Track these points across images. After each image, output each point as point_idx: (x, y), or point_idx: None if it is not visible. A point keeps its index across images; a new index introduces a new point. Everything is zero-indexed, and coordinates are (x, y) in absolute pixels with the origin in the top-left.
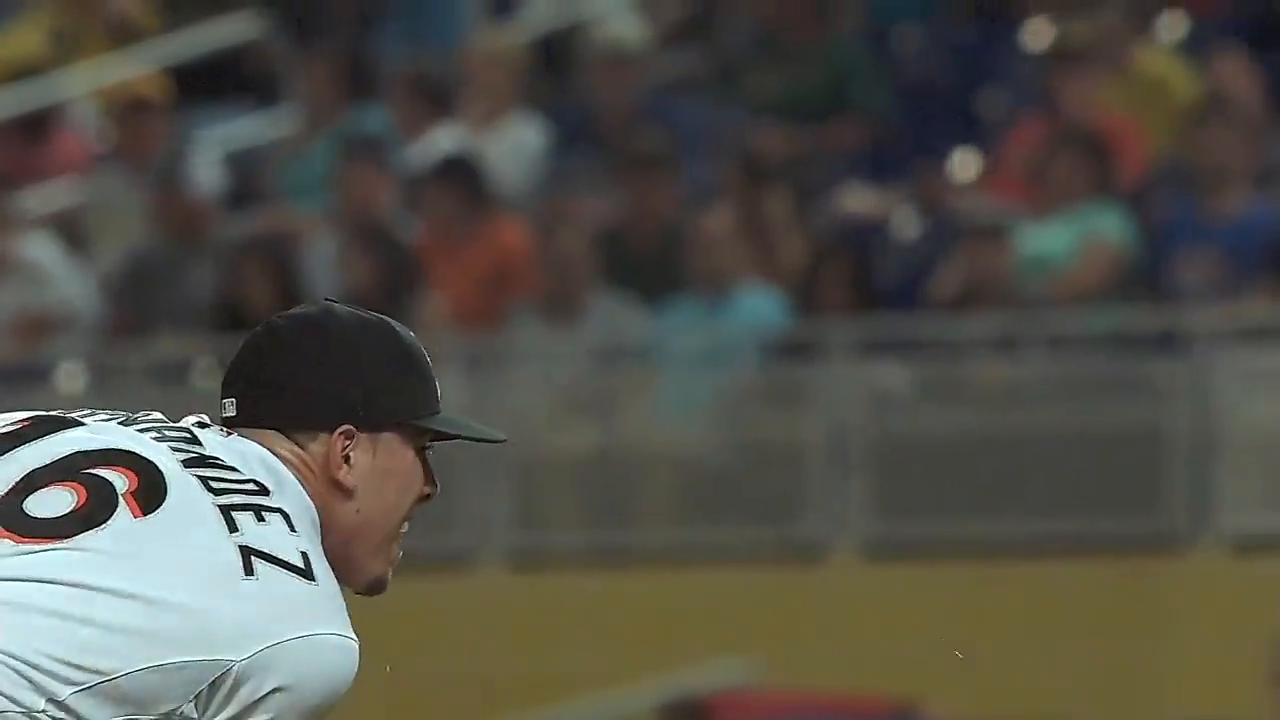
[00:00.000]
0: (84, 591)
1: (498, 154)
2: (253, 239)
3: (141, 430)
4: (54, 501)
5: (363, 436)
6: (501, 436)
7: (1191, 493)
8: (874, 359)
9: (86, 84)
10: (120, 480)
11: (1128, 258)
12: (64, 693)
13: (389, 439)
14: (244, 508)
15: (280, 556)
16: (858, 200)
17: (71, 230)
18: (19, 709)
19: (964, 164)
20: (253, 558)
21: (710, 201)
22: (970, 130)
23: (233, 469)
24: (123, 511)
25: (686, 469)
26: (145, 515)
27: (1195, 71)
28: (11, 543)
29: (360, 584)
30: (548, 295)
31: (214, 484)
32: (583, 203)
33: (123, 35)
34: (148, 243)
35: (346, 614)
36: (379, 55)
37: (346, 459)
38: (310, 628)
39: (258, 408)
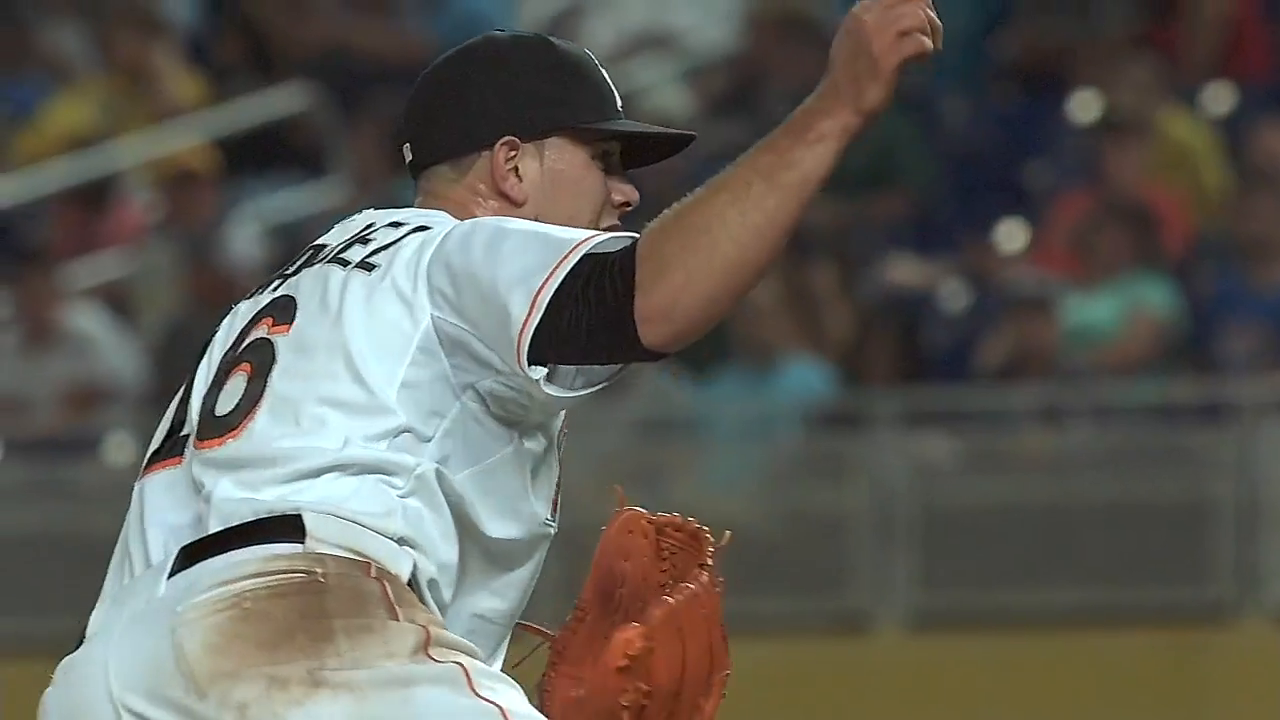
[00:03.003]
0: (295, 398)
1: None
2: None
3: (282, 280)
4: (233, 389)
5: (527, 146)
6: (687, 132)
7: (1237, 564)
8: (920, 430)
9: (136, 156)
10: (263, 328)
11: (1173, 329)
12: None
13: (556, 144)
14: (347, 246)
15: (386, 242)
16: (904, 271)
17: (120, 301)
18: (400, 472)
19: (1010, 235)
20: (367, 259)
21: None
22: (1016, 201)
23: (356, 234)
24: (277, 341)
25: (732, 540)
26: (290, 327)
27: (1237, 142)
28: (215, 447)
29: None
30: None
31: (326, 253)
32: None
33: (171, 107)
34: (186, 313)
35: None
36: None
37: (515, 171)
38: (450, 224)
39: (425, 143)
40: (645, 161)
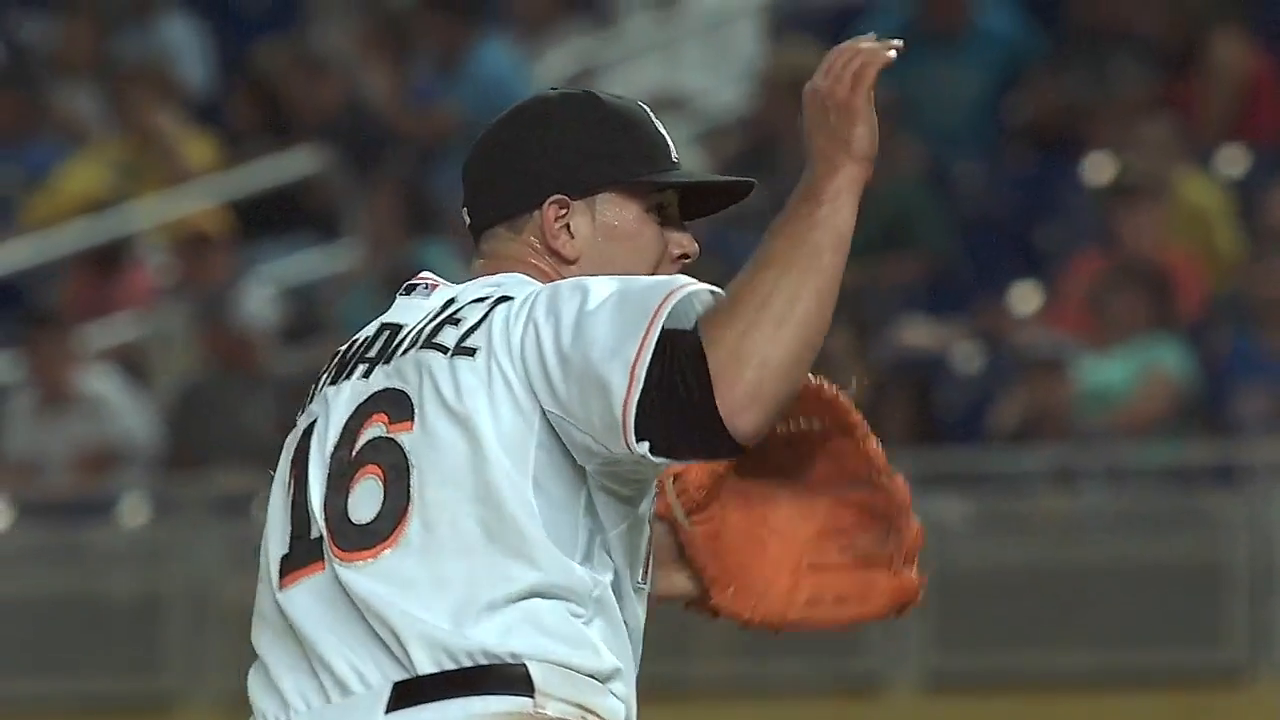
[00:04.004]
0: (443, 502)
1: None
2: (312, 373)
3: (368, 365)
4: (367, 494)
5: (577, 204)
6: (742, 180)
7: (1251, 626)
8: (934, 491)
9: (150, 219)
10: (378, 426)
11: (1187, 391)
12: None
13: (607, 200)
14: (437, 328)
15: (476, 320)
16: (918, 333)
17: (134, 363)
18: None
19: (1024, 297)
20: (464, 344)
21: None
22: (1030, 263)
23: (439, 315)
24: (402, 440)
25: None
26: (413, 425)
27: (1251, 205)
28: (369, 560)
29: None
30: None
31: (410, 335)
32: None
33: (185, 170)
34: (201, 375)
35: None
36: (440, 190)
37: (567, 229)
38: (528, 290)
39: (480, 206)
40: (705, 211)
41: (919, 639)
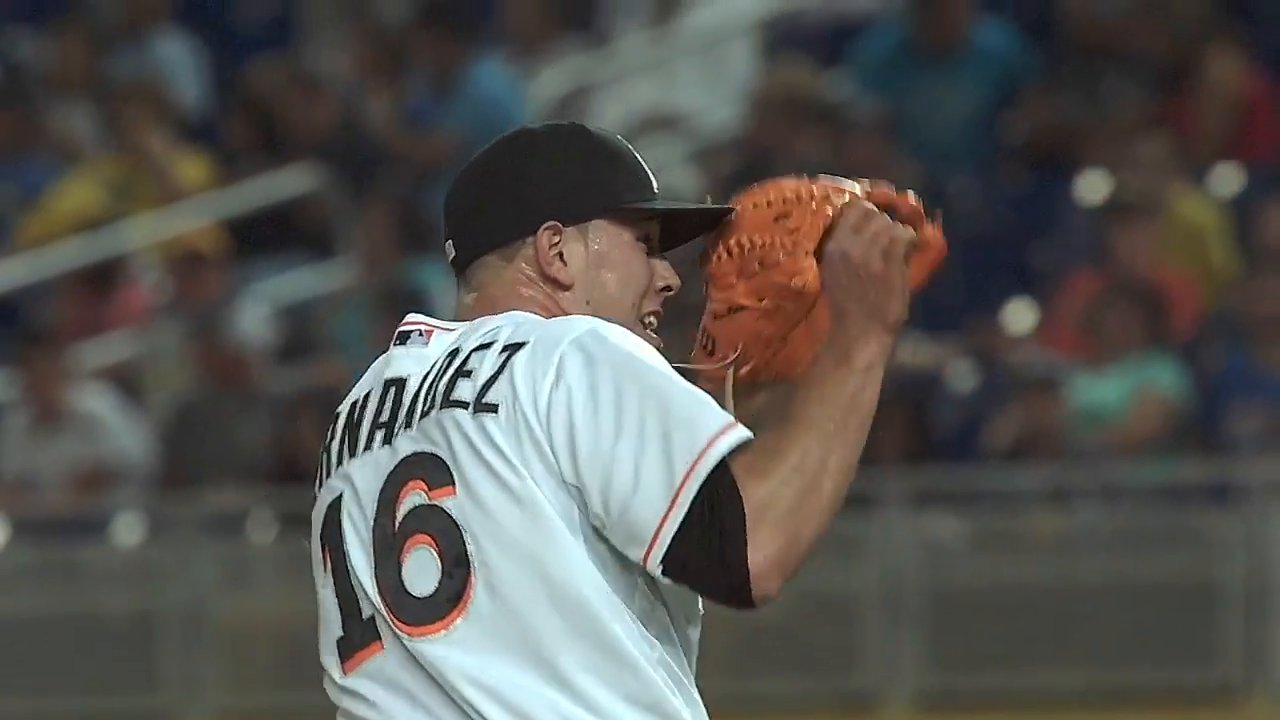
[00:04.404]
0: (503, 566)
1: None
2: (306, 391)
3: (385, 430)
4: (421, 565)
5: (570, 230)
6: (724, 207)
7: (1246, 644)
8: (928, 510)
9: (144, 237)
10: (418, 494)
11: (1181, 409)
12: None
13: (599, 227)
14: (451, 383)
15: (492, 372)
16: (912, 352)
17: (128, 382)
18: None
19: (1018, 316)
20: (484, 400)
21: None
22: (1025, 282)
23: (447, 368)
24: (448, 506)
25: (741, 619)
26: (455, 490)
27: (1246, 223)
28: (442, 631)
29: None
30: None
31: (424, 392)
32: None
33: (179, 189)
34: (195, 393)
35: None
36: (435, 209)
37: (560, 256)
38: (538, 335)
39: (468, 238)
40: (683, 238)
41: (913, 657)
